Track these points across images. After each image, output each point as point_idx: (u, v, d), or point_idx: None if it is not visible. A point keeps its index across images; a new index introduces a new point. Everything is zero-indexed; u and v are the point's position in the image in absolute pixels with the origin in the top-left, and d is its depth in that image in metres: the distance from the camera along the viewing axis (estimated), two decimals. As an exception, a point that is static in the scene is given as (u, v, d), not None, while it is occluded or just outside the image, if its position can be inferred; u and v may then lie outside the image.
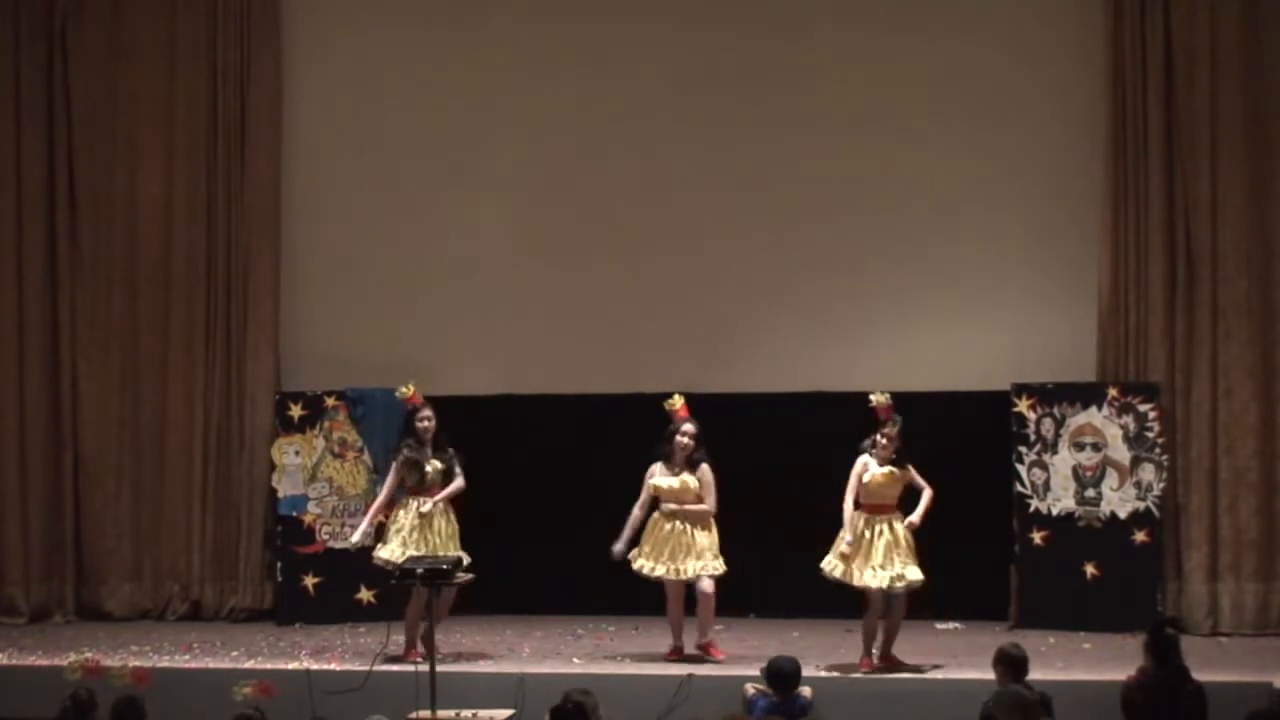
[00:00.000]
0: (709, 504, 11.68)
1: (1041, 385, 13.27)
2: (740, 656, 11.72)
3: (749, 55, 13.92)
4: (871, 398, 11.33)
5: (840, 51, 13.88)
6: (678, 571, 11.60)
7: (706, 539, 11.67)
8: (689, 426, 11.68)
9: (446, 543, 11.68)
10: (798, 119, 13.86)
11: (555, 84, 14.18)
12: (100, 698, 8.54)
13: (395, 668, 11.08)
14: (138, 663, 11.71)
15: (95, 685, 9.35)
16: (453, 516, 11.85)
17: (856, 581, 11.20)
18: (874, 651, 11.31)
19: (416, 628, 11.59)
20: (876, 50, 13.81)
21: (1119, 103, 13.24)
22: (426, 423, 11.87)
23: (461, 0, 14.38)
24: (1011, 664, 8.95)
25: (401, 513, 11.82)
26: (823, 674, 10.96)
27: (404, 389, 12.00)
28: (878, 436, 11.28)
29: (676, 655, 11.71)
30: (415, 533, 11.66)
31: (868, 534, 11.22)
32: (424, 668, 10.23)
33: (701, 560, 11.61)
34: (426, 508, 11.68)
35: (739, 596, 12.37)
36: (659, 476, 11.69)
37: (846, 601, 11.80)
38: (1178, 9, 13.19)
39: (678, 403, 11.77)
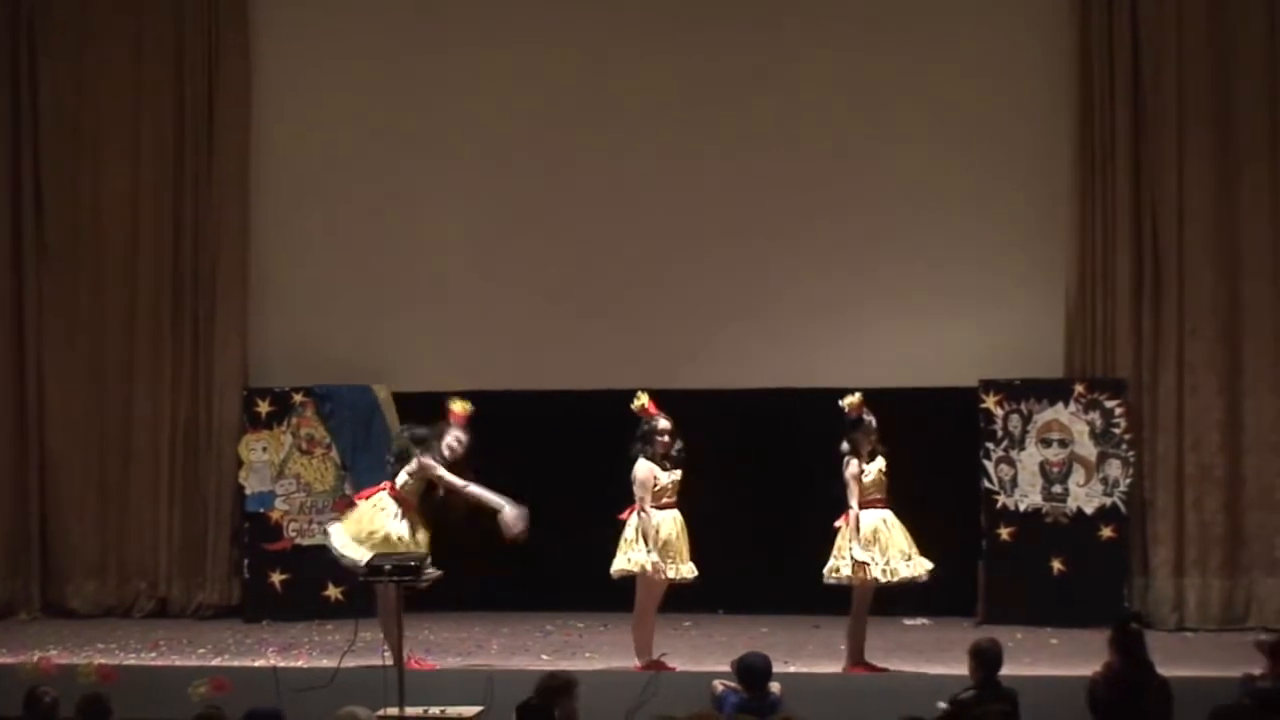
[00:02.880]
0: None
1: (1009, 381, 13.32)
2: (709, 653, 11.73)
3: (717, 56, 13.95)
4: (842, 402, 11.28)
5: (808, 55, 13.90)
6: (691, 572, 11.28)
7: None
8: (666, 424, 11.22)
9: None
10: (764, 120, 13.91)
11: (525, 84, 14.16)
12: (66, 695, 8.44)
13: (363, 664, 10.96)
14: (103, 660, 11.64)
15: (59, 682, 9.31)
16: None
17: (895, 577, 11.06)
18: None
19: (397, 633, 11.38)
20: (845, 54, 13.86)
21: (1086, 102, 13.32)
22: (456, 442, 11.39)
23: (432, 4, 14.35)
24: (985, 658, 8.90)
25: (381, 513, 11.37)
26: (791, 670, 10.93)
27: (458, 405, 11.48)
28: (858, 435, 11.14)
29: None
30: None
31: (881, 528, 11.13)
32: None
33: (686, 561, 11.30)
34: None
35: (707, 593, 12.33)
36: (664, 476, 11.19)
37: (813, 598, 11.83)
38: (1145, 9, 13.24)
39: (644, 400, 11.34)
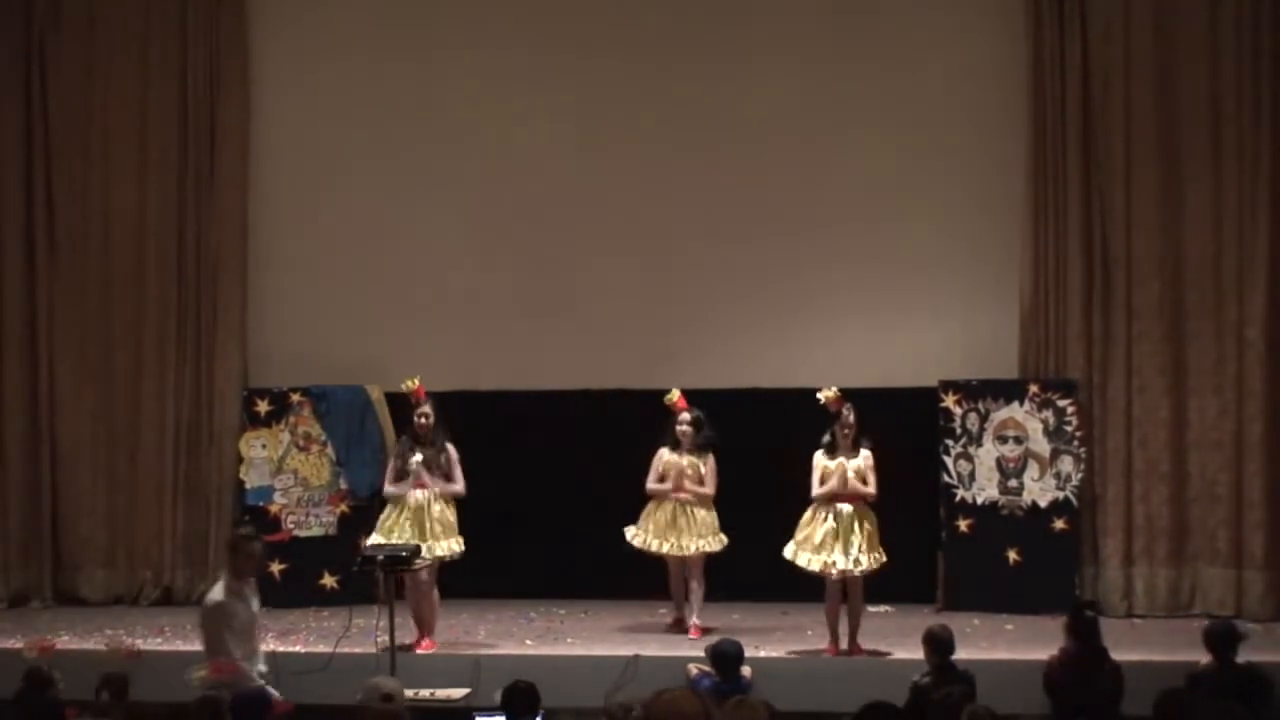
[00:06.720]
0: (708, 487, 11.97)
1: (967, 382, 13.32)
2: (684, 638, 11.78)
3: (693, 75, 13.90)
4: (820, 395, 11.29)
5: (777, 72, 13.84)
6: (681, 548, 11.92)
7: (707, 517, 11.96)
8: (685, 414, 11.98)
9: (441, 534, 11.54)
10: (740, 133, 13.85)
11: (511, 93, 14.09)
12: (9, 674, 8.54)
13: (357, 650, 10.88)
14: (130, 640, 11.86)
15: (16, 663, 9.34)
16: (446, 509, 11.63)
17: (821, 568, 11.19)
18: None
19: (422, 617, 11.61)
20: (813, 71, 13.81)
21: (1040, 118, 13.32)
22: (421, 418, 11.66)
23: (423, 16, 14.26)
24: (939, 644, 8.90)
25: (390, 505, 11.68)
26: (761, 655, 10.93)
27: (408, 382, 11.83)
28: (833, 428, 11.29)
29: (677, 626, 12.14)
30: (403, 525, 11.49)
31: (829, 521, 11.18)
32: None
33: (703, 538, 11.92)
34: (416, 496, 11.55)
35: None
36: (667, 455, 11.98)
37: (783, 586, 11.88)
38: (1094, 31, 13.28)
39: (675, 396, 12.09)
